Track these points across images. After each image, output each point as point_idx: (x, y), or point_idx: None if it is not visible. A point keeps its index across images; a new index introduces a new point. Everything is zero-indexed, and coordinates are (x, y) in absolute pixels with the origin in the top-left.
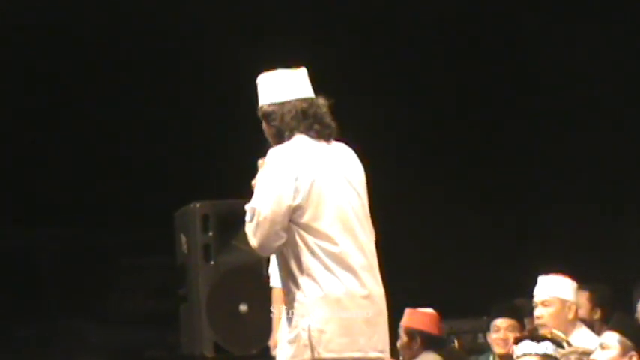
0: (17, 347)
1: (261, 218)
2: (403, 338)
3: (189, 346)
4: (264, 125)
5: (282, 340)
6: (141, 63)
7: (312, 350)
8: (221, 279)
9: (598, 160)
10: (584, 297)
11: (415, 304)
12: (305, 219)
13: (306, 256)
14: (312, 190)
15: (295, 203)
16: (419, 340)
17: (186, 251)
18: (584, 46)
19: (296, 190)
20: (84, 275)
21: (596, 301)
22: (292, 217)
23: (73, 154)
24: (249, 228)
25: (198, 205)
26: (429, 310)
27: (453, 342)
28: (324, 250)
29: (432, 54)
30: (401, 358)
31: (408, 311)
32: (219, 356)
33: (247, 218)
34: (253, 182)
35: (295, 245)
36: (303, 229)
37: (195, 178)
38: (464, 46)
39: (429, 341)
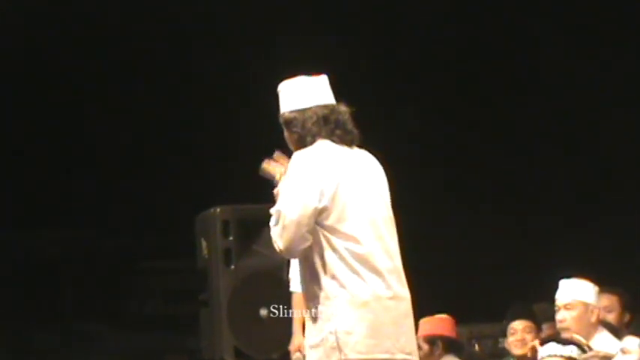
0: (36, 351)
1: (287, 221)
2: (424, 348)
3: (210, 350)
4: (285, 133)
5: (306, 345)
6: (161, 64)
7: (340, 352)
8: (242, 284)
9: (622, 163)
10: (614, 300)
11: (437, 309)
12: (330, 221)
13: (331, 259)
14: (338, 192)
15: (321, 205)
16: (440, 345)
17: (206, 256)
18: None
19: (321, 192)
20: (103, 279)
21: (625, 305)
22: (318, 220)
23: (95, 157)
24: (274, 231)
25: (218, 210)
26: (443, 315)
27: (474, 347)
28: (349, 251)
29: (443, 53)
30: None
31: (423, 321)
32: None
33: (272, 222)
34: (275, 191)
35: (321, 248)
36: (329, 231)
37: (216, 182)
38: (475, 45)
39: (449, 345)
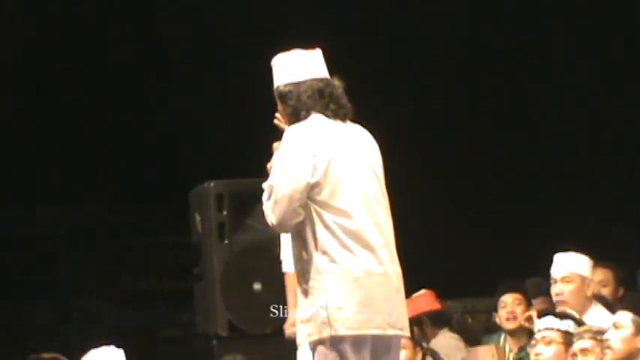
0: (31, 328)
1: (279, 195)
2: (414, 330)
3: (204, 324)
4: (280, 106)
5: (297, 319)
6: (154, 42)
7: (331, 327)
8: (235, 258)
9: (610, 140)
10: (608, 275)
11: (429, 285)
12: (322, 196)
13: (322, 234)
14: (330, 167)
15: (313, 180)
16: (428, 322)
17: (200, 230)
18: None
19: (314, 167)
20: (97, 255)
21: (620, 280)
22: (310, 194)
23: (88, 133)
24: (267, 206)
25: (212, 184)
26: (421, 291)
27: (467, 321)
28: (341, 226)
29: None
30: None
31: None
32: (234, 335)
33: (265, 196)
34: (269, 165)
35: (312, 223)
36: (321, 206)
37: (209, 156)
38: (475, 37)
39: (437, 319)
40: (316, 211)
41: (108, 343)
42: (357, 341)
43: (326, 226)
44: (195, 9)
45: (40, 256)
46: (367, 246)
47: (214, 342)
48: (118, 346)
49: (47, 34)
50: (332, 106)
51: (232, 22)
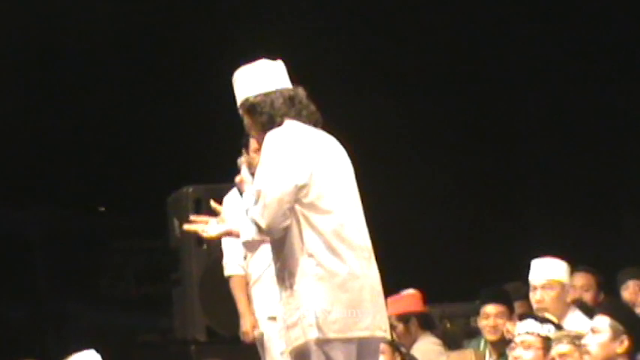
0: (8, 329)
1: (268, 199)
2: (398, 327)
3: (182, 330)
4: (248, 120)
5: (283, 323)
6: (132, 46)
7: (319, 330)
8: (214, 263)
9: (591, 147)
10: (590, 279)
11: (406, 288)
12: (309, 198)
13: (309, 236)
14: (315, 170)
15: (301, 182)
16: (415, 322)
17: (178, 235)
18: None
19: (300, 170)
20: (75, 258)
21: (601, 284)
22: (297, 197)
23: (66, 136)
24: (255, 211)
25: (190, 189)
26: (410, 290)
27: (446, 326)
28: (327, 229)
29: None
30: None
31: (392, 299)
32: (212, 340)
33: (251, 202)
34: (238, 179)
35: (298, 225)
36: (307, 209)
37: (187, 161)
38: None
39: (424, 322)
40: (303, 214)
41: (86, 347)
42: (345, 344)
43: (313, 228)
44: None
45: (17, 259)
46: (352, 247)
47: (192, 347)
48: (97, 351)
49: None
50: (304, 112)
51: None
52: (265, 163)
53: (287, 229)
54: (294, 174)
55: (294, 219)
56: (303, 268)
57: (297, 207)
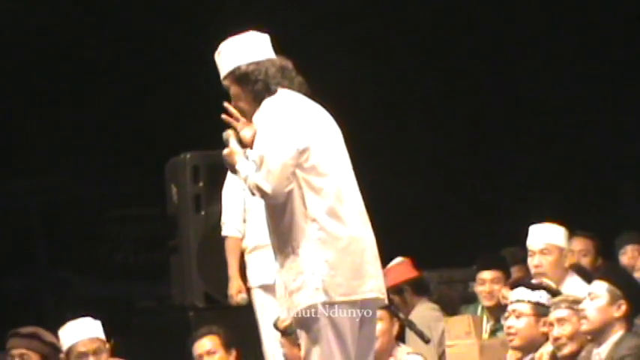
0: (6, 300)
1: (271, 165)
2: (394, 299)
3: (180, 296)
4: (237, 89)
5: (284, 290)
6: (128, 13)
7: (325, 294)
8: (211, 230)
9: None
10: (589, 244)
11: (405, 254)
12: (310, 162)
13: (312, 200)
14: (315, 134)
15: (302, 147)
16: (409, 290)
17: (176, 202)
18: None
19: (301, 134)
20: (73, 227)
21: (599, 249)
22: (298, 162)
23: (60, 105)
24: (258, 177)
25: (188, 156)
26: (398, 259)
27: (444, 291)
28: (329, 193)
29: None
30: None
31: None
32: (210, 306)
33: (254, 168)
34: (226, 151)
35: (300, 190)
36: (308, 172)
37: (185, 128)
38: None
39: (417, 287)
40: (304, 179)
41: (84, 315)
42: (350, 307)
43: (315, 192)
44: None
45: (15, 228)
46: (352, 211)
47: (191, 313)
48: (95, 318)
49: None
50: (296, 81)
51: None
52: (265, 129)
53: (289, 194)
54: (295, 138)
55: (296, 184)
56: (306, 232)
57: (298, 172)
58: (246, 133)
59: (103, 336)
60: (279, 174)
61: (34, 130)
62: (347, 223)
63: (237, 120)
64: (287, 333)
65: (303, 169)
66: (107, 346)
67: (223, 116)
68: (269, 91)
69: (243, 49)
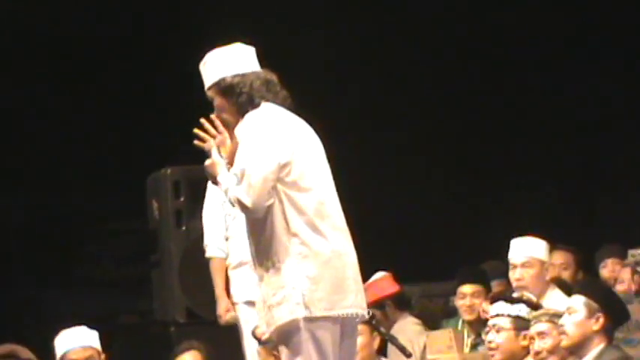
0: None
1: (253, 178)
2: (376, 314)
3: (162, 311)
4: (222, 100)
5: (263, 304)
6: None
7: (306, 308)
8: (193, 244)
9: (566, 125)
10: (569, 258)
11: (386, 268)
12: (292, 176)
13: (292, 215)
14: (297, 149)
15: (284, 161)
16: (391, 305)
17: (157, 217)
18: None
19: (283, 149)
20: (54, 241)
21: (580, 263)
22: (279, 176)
23: (40, 120)
24: (239, 190)
25: (169, 171)
26: (380, 274)
27: (425, 305)
28: (310, 207)
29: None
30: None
31: (364, 287)
32: (192, 321)
33: (235, 181)
34: (208, 162)
35: (282, 204)
36: (290, 187)
37: (166, 142)
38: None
39: (399, 301)
40: (285, 193)
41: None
42: (331, 322)
43: (296, 207)
44: None
45: None
46: (334, 226)
47: (172, 328)
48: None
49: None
50: (280, 95)
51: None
52: (247, 143)
53: (270, 208)
54: (276, 152)
55: (277, 198)
56: (287, 247)
57: (280, 186)
58: (219, 154)
59: (97, 345)
60: (260, 188)
61: (13, 146)
62: (328, 238)
63: (214, 137)
64: (265, 342)
65: (284, 183)
66: (102, 357)
67: (196, 131)
68: (253, 104)
69: (229, 61)
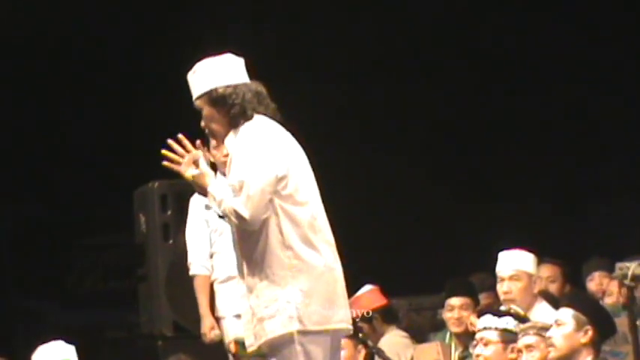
0: None
1: (251, 190)
2: (363, 327)
3: (149, 325)
4: (212, 111)
5: (252, 316)
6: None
7: (299, 322)
8: (180, 258)
9: (553, 133)
10: (556, 271)
11: (373, 282)
12: (288, 189)
13: (287, 228)
14: (292, 162)
15: (281, 174)
16: (379, 318)
17: (144, 231)
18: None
19: (280, 161)
20: (41, 255)
21: (567, 276)
22: (276, 189)
23: (29, 132)
24: (237, 202)
25: (156, 184)
26: (367, 287)
27: (413, 318)
28: (304, 221)
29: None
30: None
31: (352, 300)
32: (179, 335)
33: (231, 193)
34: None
35: (277, 217)
36: (285, 200)
37: (153, 156)
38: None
39: (386, 314)
40: (281, 206)
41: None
42: (322, 336)
43: (291, 220)
44: None
45: None
46: (326, 240)
47: (159, 342)
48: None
49: None
50: (270, 108)
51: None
52: (245, 155)
53: (265, 221)
54: (274, 165)
55: (272, 211)
56: (282, 260)
57: (276, 199)
58: (191, 173)
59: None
60: (259, 200)
61: (0, 157)
62: (321, 251)
63: (179, 163)
64: (238, 357)
65: (280, 196)
66: None
67: (164, 152)
68: (245, 116)
69: (220, 71)
